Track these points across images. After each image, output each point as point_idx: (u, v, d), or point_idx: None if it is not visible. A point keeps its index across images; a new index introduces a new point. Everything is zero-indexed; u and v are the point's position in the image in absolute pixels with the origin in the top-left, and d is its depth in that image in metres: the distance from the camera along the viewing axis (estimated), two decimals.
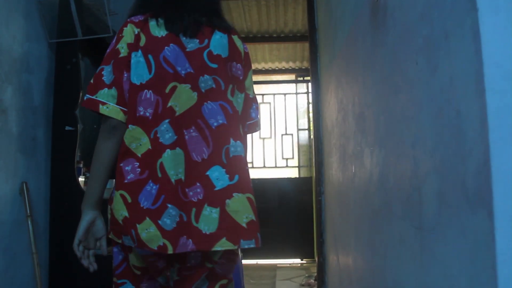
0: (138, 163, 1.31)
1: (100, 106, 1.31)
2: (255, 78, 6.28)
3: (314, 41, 3.84)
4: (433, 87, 1.13)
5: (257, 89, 6.30)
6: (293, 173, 5.98)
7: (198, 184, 1.31)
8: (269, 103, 6.08)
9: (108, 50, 1.38)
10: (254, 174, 5.96)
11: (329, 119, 3.14)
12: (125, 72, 1.33)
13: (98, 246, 1.52)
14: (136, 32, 1.35)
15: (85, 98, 1.36)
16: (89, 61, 3.44)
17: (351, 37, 2.26)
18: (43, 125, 2.75)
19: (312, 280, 4.17)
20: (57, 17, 2.88)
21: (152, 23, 1.36)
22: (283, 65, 5.95)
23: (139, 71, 1.33)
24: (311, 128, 5.70)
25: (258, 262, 5.58)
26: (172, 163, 1.30)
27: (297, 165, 5.98)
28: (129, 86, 1.33)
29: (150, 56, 1.33)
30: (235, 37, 1.50)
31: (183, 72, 1.34)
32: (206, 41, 1.40)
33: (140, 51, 1.33)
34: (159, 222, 1.27)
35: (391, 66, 1.53)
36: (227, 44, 1.45)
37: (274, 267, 5.26)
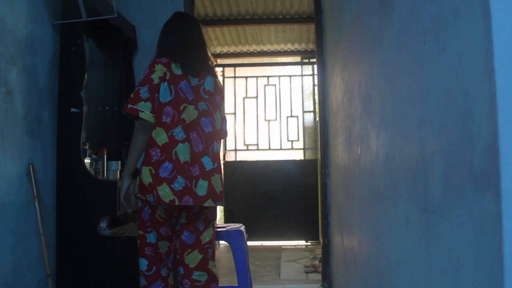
0: (159, 150, 2.13)
1: (140, 113, 2.12)
2: (260, 59, 6.24)
3: (320, 23, 3.80)
4: (441, 67, 1.11)
5: (263, 71, 6.27)
6: (299, 155, 5.97)
7: (196, 165, 2.15)
8: (275, 85, 6.05)
9: (143, 77, 2.21)
10: (259, 156, 5.96)
11: (335, 101, 3.12)
12: (156, 93, 2.16)
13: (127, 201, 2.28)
14: (164, 70, 2.19)
15: (128, 106, 2.14)
16: (93, 42, 3.43)
17: (357, 17, 2.23)
18: (49, 107, 2.75)
19: (316, 262, 4.20)
20: None
21: (173, 65, 2.22)
22: (289, 47, 5.91)
23: (165, 95, 2.17)
24: (317, 110, 5.67)
25: (263, 244, 5.62)
26: (182, 151, 2.13)
27: (302, 147, 5.97)
28: (158, 103, 2.15)
29: (171, 86, 2.19)
30: (217, 80, 2.40)
31: (190, 98, 2.21)
32: (202, 80, 2.29)
33: (166, 83, 2.18)
34: (172, 185, 2.09)
35: (398, 46, 1.52)
36: (213, 84, 2.34)
37: (279, 249, 5.30)
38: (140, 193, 2.13)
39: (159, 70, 2.18)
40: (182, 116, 2.15)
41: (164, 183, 2.07)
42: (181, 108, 2.16)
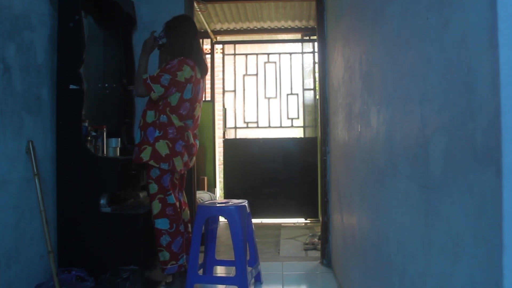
0: (175, 130, 2.83)
1: (152, 92, 2.78)
2: (261, 36, 6.19)
3: None
4: (444, 43, 1.10)
5: (263, 48, 6.22)
6: (298, 133, 5.97)
7: (194, 148, 3.01)
8: (275, 62, 6.00)
9: (170, 66, 2.80)
10: (259, 134, 5.96)
11: (335, 78, 3.10)
12: (173, 88, 2.80)
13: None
14: (192, 74, 2.85)
15: (147, 81, 2.76)
16: (92, 19, 3.39)
17: None
18: (48, 84, 2.73)
19: (316, 239, 4.23)
20: None
21: (197, 70, 2.92)
22: (289, 24, 5.85)
23: (187, 93, 2.86)
24: (317, 88, 5.64)
25: (262, 221, 5.66)
26: (190, 136, 2.91)
27: (302, 125, 5.96)
28: (180, 97, 2.84)
29: (193, 87, 2.89)
30: None
31: (199, 98, 2.99)
32: (203, 83, 3.07)
33: (191, 84, 2.87)
34: (182, 158, 2.86)
35: (400, 22, 1.50)
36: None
37: (279, 226, 5.33)
38: (153, 161, 2.74)
39: (187, 72, 2.82)
40: (194, 113, 2.94)
41: (179, 156, 2.82)
42: (194, 106, 2.94)
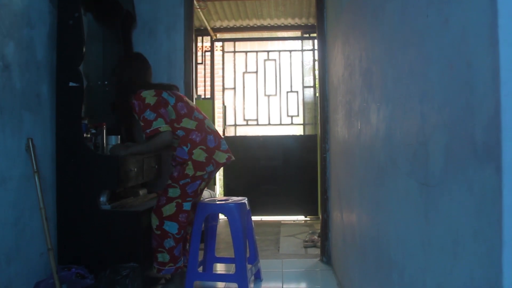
0: (196, 131, 2.82)
1: (160, 129, 2.78)
2: (260, 34, 6.18)
3: None
4: (444, 40, 1.10)
5: (262, 45, 6.21)
6: (298, 131, 5.97)
7: (217, 133, 3.03)
8: (274, 60, 6.00)
9: (136, 107, 2.82)
10: (259, 131, 5.96)
11: (335, 76, 3.10)
12: (160, 110, 2.83)
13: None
14: (153, 92, 2.87)
15: (147, 131, 2.79)
16: (91, 16, 3.38)
17: None
18: (47, 81, 2.72)
19: (315, 237, 4.23)
20: None
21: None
22: (289, 21, 5.84)
23: (170, 100, 2.88)
24: (317, 85, 5.64)
25: (262, 219, 5.66)
26: (210, 124, 2.99)
27: (302, 122, 5.96)
28: (173, 108, 2.87)
29: (166, 94, 2.92)
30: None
31: (184, 99, 3.02)
32: None
33: (161, 94, 2.88)
34: (221, 148, 2.88)
35: (400, 19, 1.50)
36: None
37: (278, 224, 5.34)
38: (198, 171, 2.75)
39: (147, 93, 2.85)
40: (191, 105, 2.97)
41: (216, 150, 2.82)
42: (185, 100, 2.98)
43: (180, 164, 2.81)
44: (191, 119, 2.85)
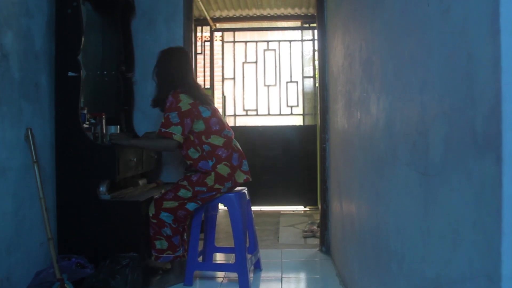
0: (223, 148, 2.80)
1: (173, 136, 2.69)
2: (260, 24, 6.14)
3: None
4: (445, 29, 1.09)
5: (262, 35, 6.17)
6: (298, 121, 5.95)
7: (242, 152, 2.99)
8: (274, 50, 5.97)
9: (168, 105, 2.76)
10: (258, 121, 5.95)
11: (335, 66, 3.09)
12: (186, 119, 2.74)
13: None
14: (192, 100, 2.80)
15: (162, 131, 2.70)
16: (90, 5, 3.36)
17: None
18: (46, 71, 2.71)
19: (315, 227, 4.24)
20: None
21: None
22: (289, 11, 5.80)
23: (205, 112, 2.84)
24: (317, 75, 5.63)
25: (262, 209, 5.67)
26: (236, 143, 2.98)
27: (301, 113, 5.95)
28: (204, 121, 2.81)
29: (204, 106, 2.88)
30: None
31: (218, 114, 2.98)
32: None
33: (199, 105, 2.84)
34: (242, 168, 2.85)
35: (400, 9, 1.49)
36: None
37: (278, 214, 5.35)
38: (217, 184, 2.75)
39: (186, 99, 2.79)
40: (224, 122, 2.95)
41: (238, 170, 2.83)
42: (219, 116, 2.95)
43: (202, 172, 2.79)
44: (220, 136, 2.82)
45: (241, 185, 2.89)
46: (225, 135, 2.85)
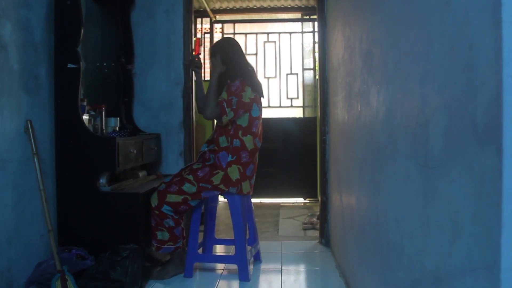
0: (248, 154, 2.83)
1: (224, 116, 2.76)
2: (260, 16, 6.12)
3: None
4: (446, 20, 1.09)
5: (262, 27, 6.15)
6: (298, 113, 5.95)
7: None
8: (274, 42, 5.95)
9: (234, 89, 2.80)
10: None
11: (335, 58, 3.08)
12: (240, 110, 2.78)
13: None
14: (255, 94, 2.88)
15: (223, 103, 2.76)
16: None
17: None
18: (45, 63, 2.70)
19: (314, 219, 4.25)
20: None
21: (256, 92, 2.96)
22: (289, 3, 5.78)
23: (255, 111, 2.86)
24: (317, 68, 5.61)
25: (262, 201, 5.68)
26: (257, 156, 2.95)
27: (301, 105, 5.94)
28: (250, 118, 2.84)
29: (258, 105, 2.92)
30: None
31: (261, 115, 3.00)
32: None
33: (255, 103, 2.87)
34: (250, 181, 2.89)
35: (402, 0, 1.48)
36: None
37: (278, 206, 5.35)
38: (223, 185, 2.78)
39: (249, 92, 2.84)
40: (260, 130, 2.98)
41: (247, 180, 2.85)
42: (261, 122, 2.99)
43: (212, 167, 2.84)
44: (253, 140, 2.86)
45: (243, 195, 2.88)
46: (255, 143, 2.88)
